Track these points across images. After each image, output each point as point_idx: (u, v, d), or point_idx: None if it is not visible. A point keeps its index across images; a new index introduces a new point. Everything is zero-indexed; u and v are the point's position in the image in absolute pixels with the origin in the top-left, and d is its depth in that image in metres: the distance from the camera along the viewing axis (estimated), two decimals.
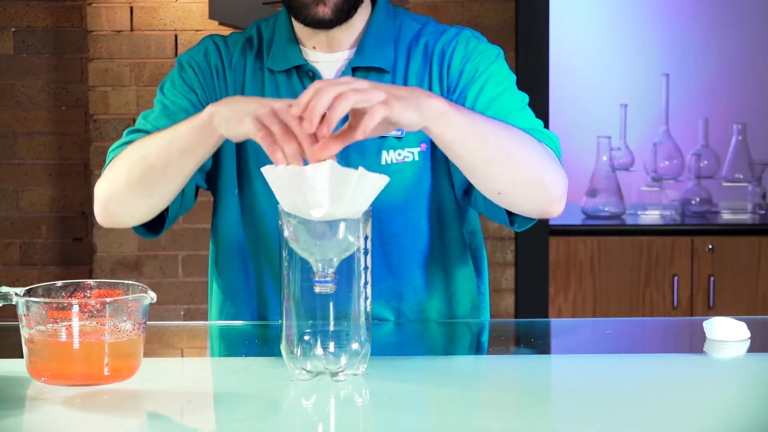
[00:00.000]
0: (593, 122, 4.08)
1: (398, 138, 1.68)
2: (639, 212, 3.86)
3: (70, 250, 3.80)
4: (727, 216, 3.80)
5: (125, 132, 1.71)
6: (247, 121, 1.39)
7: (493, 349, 1.64)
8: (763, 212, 3.82)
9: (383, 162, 1.68)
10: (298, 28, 1.73)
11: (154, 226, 1.71)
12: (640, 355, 1.57)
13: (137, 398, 1.31)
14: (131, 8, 3.51)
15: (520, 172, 1.52)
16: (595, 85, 4.13)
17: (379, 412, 1.27)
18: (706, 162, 3.89)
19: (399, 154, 1.68)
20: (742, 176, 3.86)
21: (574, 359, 1.54)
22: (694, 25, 4.15)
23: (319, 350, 1.34)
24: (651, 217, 3.81)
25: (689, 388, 1.36)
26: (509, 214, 1.63)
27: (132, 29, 3.52)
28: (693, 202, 3.82)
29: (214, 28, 3.47)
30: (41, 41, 3.73)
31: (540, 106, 3.49)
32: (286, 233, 1.34)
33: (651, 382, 1.38)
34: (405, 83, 1.70)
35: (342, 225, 1.31)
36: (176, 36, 3.52)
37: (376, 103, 1.34)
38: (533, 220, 1.63)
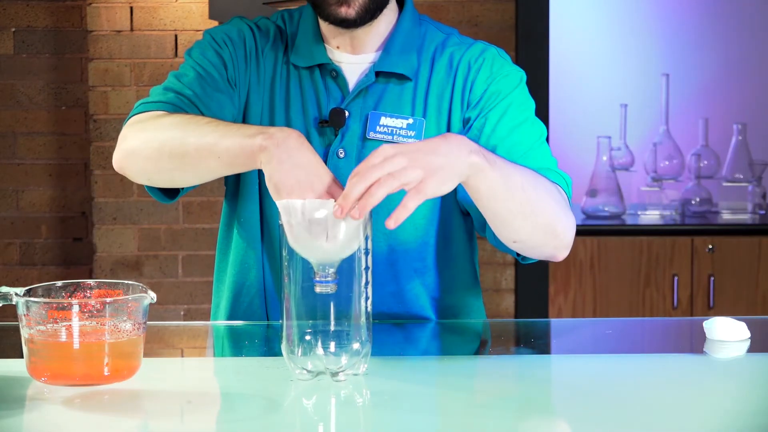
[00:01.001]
0: (593, 122, 4.08)
1: None
2: (639, 212, 3.86)
3: (70, 250, 3.80)
4: (727, 216, 3.80)
5: (157, 89, 1.68)
6: (286, 195, 1.40)
7: (493, 349, 1.64)
8: (763, 212, 3.82)
9: None
10: (324, 26, 1.72)
11: (167, 190, 1.71)
12: (640, 355, 1.57)
13: (137, 398, 1.31)
14: (131, 8, 3.52)
15: (538, 223, 1.54)
16: (595, 85, 4.13)
17: (380, 412, 1.27)
18: (706, 162, 3.89)
19: None
20: (742, 176, 3.86)
21: (574, 359, 1.54)
22: (694, 25, 4.15)
23: (319, 350, 1.34)
24: (651, 217, 3.81)
25: (689, 388, 1.36)
26: None
27: (132, 29, 3.52)
28: (693, 202, 3.82)
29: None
30: (41, 41, 3.73)
31: (540, 106, 3.49)
32: (286, 234, 1.34)
33: (651, 382, 1.38)
34: (427, 92, 1.70)
35: (343, 225, 1.31)
36: (176, 36, 3.52)
37: (412, 185, 1.33)
38: None
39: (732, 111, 4.09)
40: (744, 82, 4.15)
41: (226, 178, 1.77)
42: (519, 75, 1.72)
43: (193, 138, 1.54)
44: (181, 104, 1.64)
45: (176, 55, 3.52)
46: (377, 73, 1.70)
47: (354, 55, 1.72)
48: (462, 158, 1.38)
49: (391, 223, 1.31)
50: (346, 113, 1.68)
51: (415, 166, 1.33)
